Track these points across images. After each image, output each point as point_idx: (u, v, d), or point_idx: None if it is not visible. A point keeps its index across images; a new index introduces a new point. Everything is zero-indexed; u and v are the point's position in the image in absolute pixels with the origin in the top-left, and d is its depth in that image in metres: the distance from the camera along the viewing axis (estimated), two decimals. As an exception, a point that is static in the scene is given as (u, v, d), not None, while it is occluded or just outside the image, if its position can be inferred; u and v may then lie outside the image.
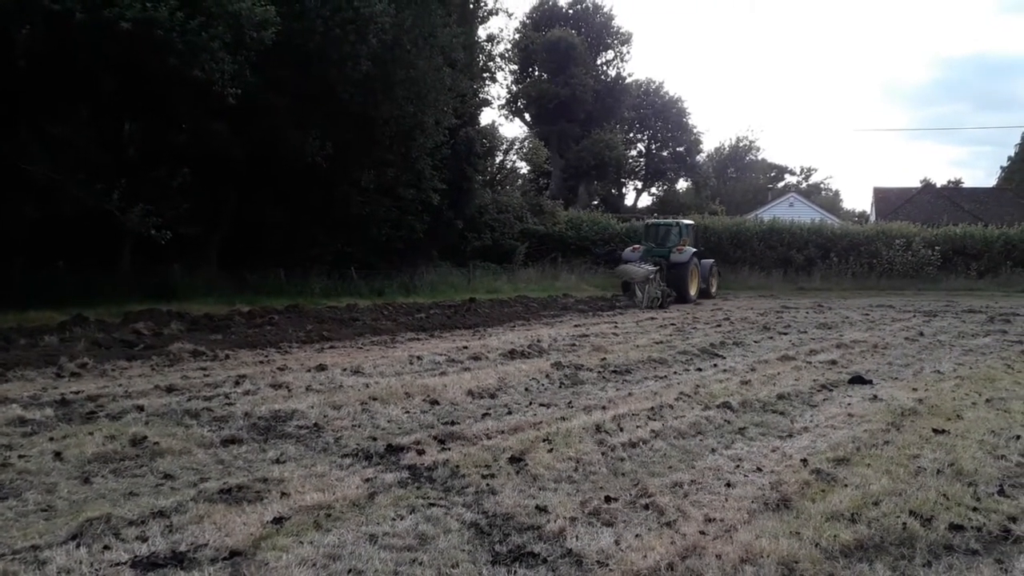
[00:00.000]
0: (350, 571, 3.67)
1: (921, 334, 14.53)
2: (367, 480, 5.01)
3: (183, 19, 13.48)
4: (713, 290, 26.43)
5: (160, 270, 17.85)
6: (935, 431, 6.61)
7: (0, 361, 9.09)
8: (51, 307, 13.42)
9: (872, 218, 53.37)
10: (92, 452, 5.43)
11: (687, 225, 27.20)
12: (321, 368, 9.11)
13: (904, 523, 4.38)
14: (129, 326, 12.36)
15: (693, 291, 24.34)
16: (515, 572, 3.74)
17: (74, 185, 14.34)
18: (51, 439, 5.80)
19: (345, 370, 9.04)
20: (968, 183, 67.40)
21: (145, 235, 15.10)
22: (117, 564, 3.67)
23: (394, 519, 4.36)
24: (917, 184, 56.98)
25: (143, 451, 5.55)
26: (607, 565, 3.79)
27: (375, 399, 7.40)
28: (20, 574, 3.54)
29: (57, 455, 5.39)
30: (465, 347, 11.40)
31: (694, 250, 25.13)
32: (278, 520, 4.23)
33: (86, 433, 5.93)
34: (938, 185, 57.66)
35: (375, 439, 6.08)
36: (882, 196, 54.55)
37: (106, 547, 3.85)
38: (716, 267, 27.45)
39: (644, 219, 33.36)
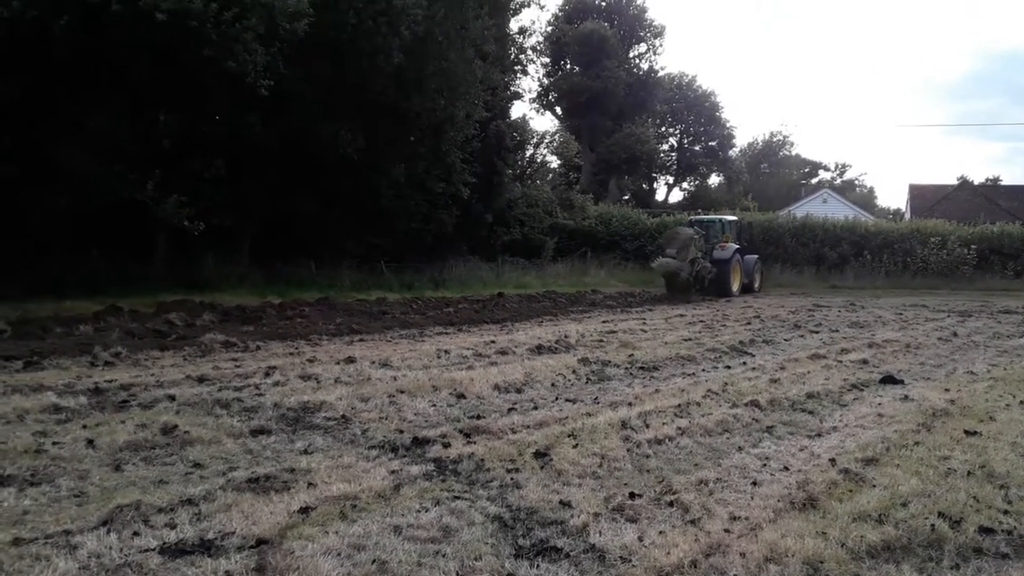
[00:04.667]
0: (374, 561, 3.70)
1: (955, 334, 14.31)
2: (393, 472, 5.04)
3: (217, 10, 13.63)
4: (756, 286, 26.56)
5: (193, 261, 18.09)
6: (967, 432, 6.51)
7: (36, 349, 9.28)
8: (87, 297, 13.66)
9: (907, 216, 52.63)
10: (124, 440, 5.52)
11: (730, 221, 27.35)
12: (350, 360, 9.18)
13: (933, 525, 4.32)
14: (162, 316, 12.55)
15: (735, 287, 24.57)
16: (538, 566, 3.74)
17: (109, 176, 14.56)
18: (84, 426, 5.91)
19: (373, 363, 9.10)
20: (1006, 180, 66.32)
21: (178, 226, 15.33)
22: (146, 550, 3.73)
23: (419, 511, 4.38)
24: (954, 181, 56.03)
25: (173, 440, 5.63)
26: (630, 561, 3.78)
27: (402, 392, 7.45)
28: (52, 558, 3.61)
29: (90, 442, 5.49)
30: (492, 341, 11.43)
31: (737, 247, 25.24)
32: (305, 510, 4.27)
33: (118, 421, 6.03)
34: (975, 182, 56.64)
35: (401, 431, 6.12)
36: (918, 193, 53.78)
37: (135, 533, 3.92)
38: (760, 264, 27.43)
39: (674, 214, 33.27)
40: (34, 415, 6.16)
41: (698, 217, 28.65)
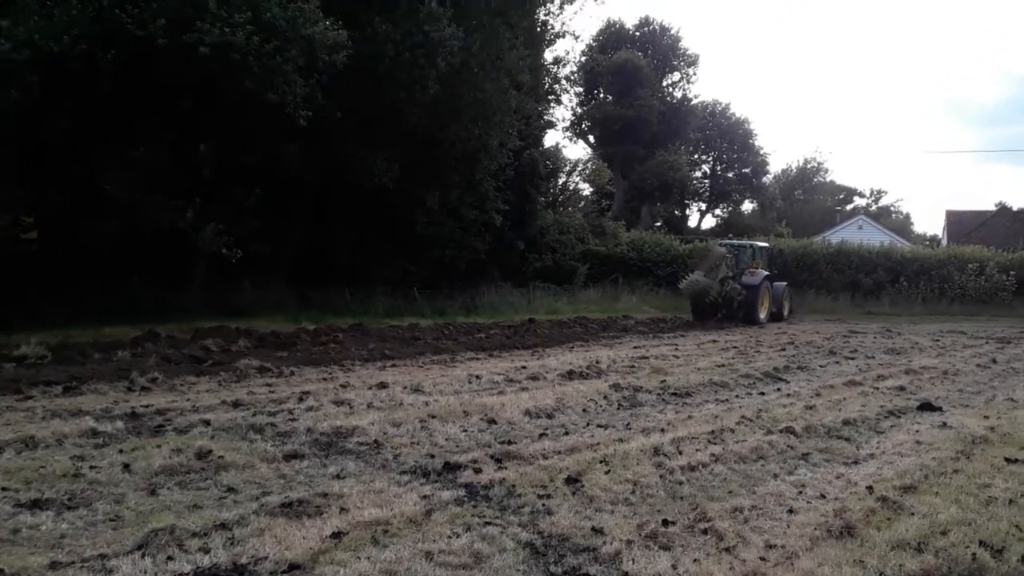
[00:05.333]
0: (405, 587, 3.70)
1: (994, 361, 14.03)
2: (424, 497, 5.05)
3: (259, 43, 13.92)
4: (785, 313, 25.93)
5: (230, 287, 18.31)
6: (1007, 460, 6.37)
7: (75, 375, 9.45)
8: (126, 323, 13.88)
9: (944, 242, 51.83)
10: (159, 464, 5.59)
11: (761, 248, 26.87)
12: (382, 386, 9.22)
13: (974, 554, 4.22)
14: (199, 342, 12.71)
15: (763, 314, 23.98)
16: (569, 593, 3.72)
17: (151, 204, 14.85)
18: (121, 451, 6.00)
19: (405, 388, 9.14)
20: (1047, 207, 64.71)
21: (216, 253, 15.56)
22: (180, 574, 3.77)
23: (450, 537, 4.38)
24: (991, 207, 55.08)
25: (208, 464, 5.69)
26: (663, 589, 3.74)
27: (434, 417, 7.47)
28: (89, 580, 3.66)
29: (126, 467, 5.56)
30: (523, 367, 11.42)
31: (766, 273, 24.73)
32: (337, 535, 4.29)
33: (154, 446, 6.11)
34: (1014, 208, 55.61)
35: (433, 456, 6.13)
36: (955, 219, 52.99)
37: (170, 557, 3.96)
38: (789, 290, 26.94)
39: (707, 240, 33.00)
40: (72, 439, 6.26)
41: (728, 242, 28.23)
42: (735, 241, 28.50)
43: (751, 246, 26.40)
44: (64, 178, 15.06)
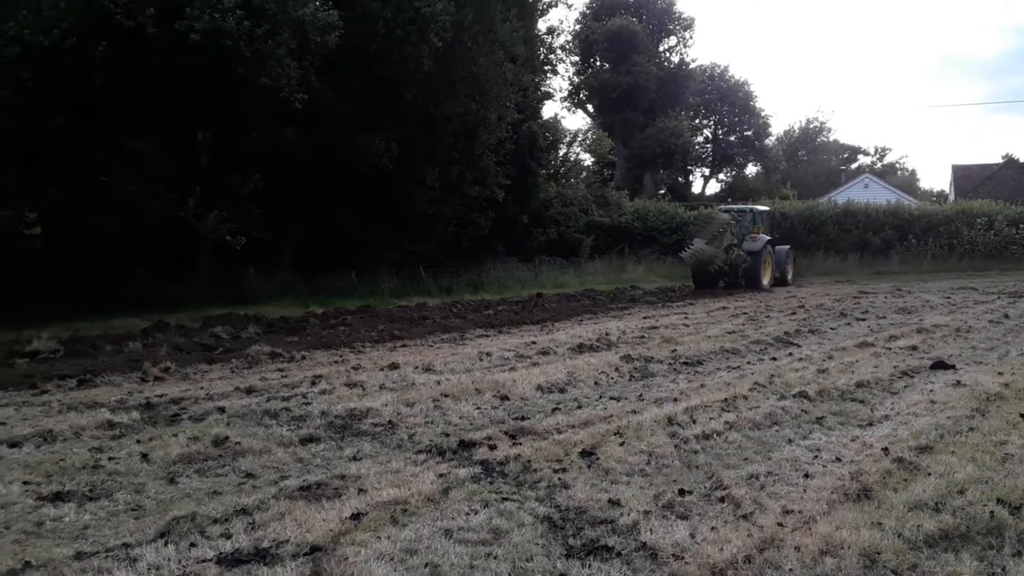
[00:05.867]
0: (427, 565, 3.73)
1: (1006, 316, 13.99)
2: (441, 476, 5.07)
3: (249, 28, 13.83)
4: (789, 278, 25.63)
5: (236, 275, 18.35)
6: (1023, 416, 6.36)
7: (88, 367, 9.50)
8: (134, 314, 13.94)
9: (951, 197, 51.55)
10: (177, 453, 5.63)
11: (761, 212, 26.52)
12: (394, 367, 9.25)
13: (992, 512, 4.23)
14: (208, 330, 12.75)
15: (767, 280, 23.74)
16: (589, 565, 3.74)
17: (151, 196, 14.85)
18: (138, 441, 6.04)
19: (417, 368, 9.16)
20: (1054, 156, 64.18)
21: (220, 241, 15.57)
22: (203, 561, 3.80)
23: (468, 514, 4.41)
24: (999, 160, 54.64)
25: (225, 451, 5.72)
26: (683, 558, 3.76)
27: (447, 396, 7.49)
28: (113, 571, 3.69)
29: (144, 456, 5.60)
30: (533, 342, 11.43)
31: (768, 238, 24.44)
32: (356, 516, 4.32)
33: (171, 435, 6.15)
34: (1021, 160, 55.19)
35: (447, 435, 6.15)
36: (962, 174, 52.68)
37: (192, 544, 3.99)
38: (792, 254, 26.59)
39: (711, 206, 32.72)
40: (90, 431, 6.30)
41: (728, 207, 27.69)
42: (735, 206, 28.07)
43: (751, 210, 25.98)
44: (63, 173, 15.05)
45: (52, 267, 16.24)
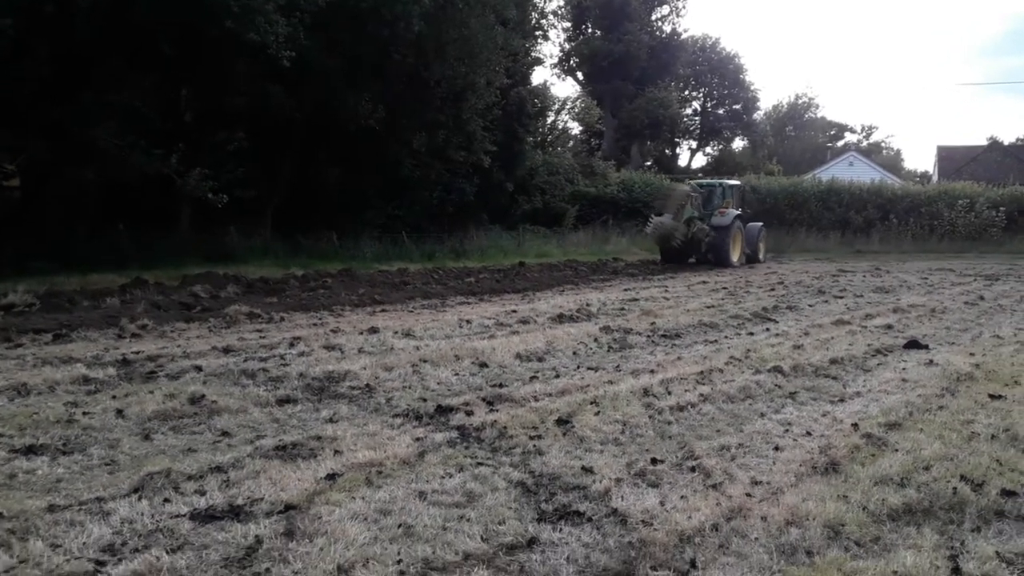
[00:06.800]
0: (400, 526, 3.77)
1: (981, 298, 14.15)
2: (417, 439, 5.11)
3: (237, -19, 13.61)
4: (761, 255, 25.09)
5: (217, 233, 18.25)
6: (991, 396, 6.47)
7: (65, 322, 9.45)
8: (112, 270, 13.84)
9: (935, 178, 51.82)
10: (152, 410, 5.63)
11: (732, 186, 25.74)
12: (373, 331, 9.25)
13: (955, 488, 4.31)
14: (187, 289, 12.69)
15: (736, 256, 23.15)
16: (561, 530, 3.79)
17: (134, 150, 14.68)
18: (113, 397, 6.03)
19: (396, 333, 9.17)
20: (1039, 140, 64.44)
21: (202, 199, 15.44)
22: (177, 516, 3.82)
23: (443, 477, 4.45)
24: (984, 142, 54.87)
25: (201, 409, 5.73)
26: (652, 525, 3.82)
27: (425, 361, 7.51)
28: (86, 524, 3.70)
29: (119, 412, 5.60)
30: (514, 311, 11.46)
31: (737, 212, 23.73)
32: (331, 476, 4.35)
33: (147, 392, 6.14)
34: (1006, 143, 55.46)
35: (425, 400, 6.19)
36: (946, 155, 52.87)
37: (166, 500, 4.01)
38: (764, 232, 26.02)
39: (685, 180, 32.34)
40: (64, 386, 6.29)
41: (698, 181, 26.97)
42: (704, 180, 27.47)
43: (721, 184, 25.20)
44: (45, 125, 14.82)
45: (30, 220, 16.06)
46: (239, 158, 16.99)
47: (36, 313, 10.20)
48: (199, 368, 7.04)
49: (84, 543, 3.52)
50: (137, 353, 7.65)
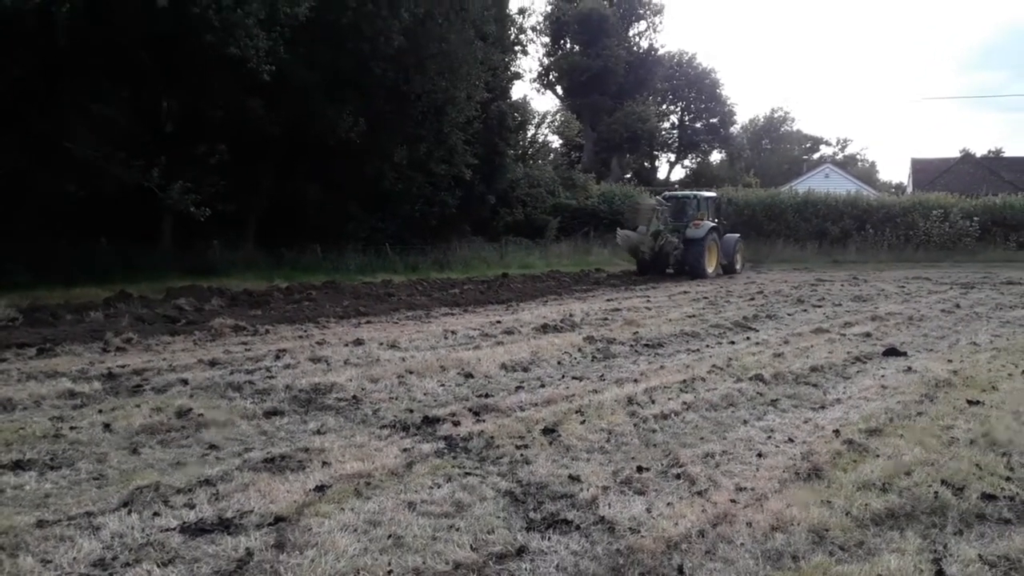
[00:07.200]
0: (390, 536, 3.80)
1: (957, 306, 14.36)
2: (405, 450, 5.14)
3: (218, -5, 13.63)
4: (738, 266, 25.00)
5: (200, 247, 18.17)
6: (969, 402, 6.60)
7: (49, 336, 9.39)
8: (95, 283, 13.76)
9: (909, 189, 52.42)
10: (140, 424, 5.62)
11: (707, 198, 25.54)
12: (358, 343, 9.27)
13: (936, 492, 4.41)
14: (171, 302, 12.65)
15: (711, 268, 23.03)
16: (549, 538, 3.84)
17: (115, 162, 14.62)
18: (100, 411, 6.01)
19: (382, 344, 9.19)
20: (1009, 153, 65.43)
21: (184, 212, 15.38)
22: (167, 529, 3.83)
23: (431, 487, 4.48)
24: (957, 154, 55.64)
25: (188, 423, 5.73)
26: (639, 532, 3.88)
27: (411, 372, 7.54)
28: (76, 539, 3.71)
29: (106, 426, 5.59)
30: (498, 322, 11.51)
31: (712, 224, 23.50)
32: (320, 488, 4.37)
33: (133, 405, 6.13)
34: (978, 155, 56.26)
35: (412, 411, 6.22)
36: (920, 167, 53.51)
37: (156, 513, 4.02)
38: (741, 243, 25.83)
39: (652, 194, 32.27)
40: (50, 401, 6.27)
41: (672, 193, 26.61)
42: (679, 192, 27.30)
43: (695, 196, 24.96)
44: (24, 135, 14.74)
45: (10, 233, 15.92)
46: (221, 171, 16.95)
47: (19, 327, 10.12)
48: (185, 381, 7.04)
49: (75, 558, 3.53)
50: (123, 367, 7.62)
